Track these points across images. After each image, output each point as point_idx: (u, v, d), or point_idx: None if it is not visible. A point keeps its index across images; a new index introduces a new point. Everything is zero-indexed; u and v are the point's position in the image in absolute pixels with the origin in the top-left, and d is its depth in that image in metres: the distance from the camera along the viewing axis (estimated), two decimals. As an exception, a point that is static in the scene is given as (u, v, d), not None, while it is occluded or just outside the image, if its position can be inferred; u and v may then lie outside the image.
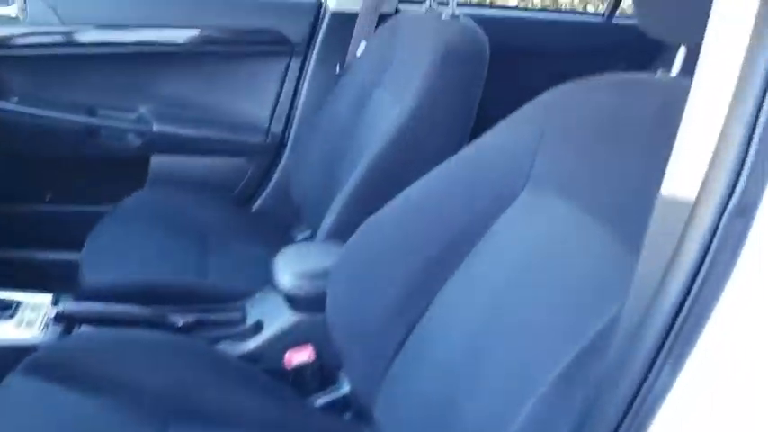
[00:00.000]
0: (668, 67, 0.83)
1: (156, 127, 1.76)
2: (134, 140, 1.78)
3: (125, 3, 1.72)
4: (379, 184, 1.31)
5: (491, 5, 2.39)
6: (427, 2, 1.51)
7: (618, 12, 2.00)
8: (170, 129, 1.78)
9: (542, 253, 0.87)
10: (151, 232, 1.51)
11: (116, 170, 1.83)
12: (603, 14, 2.05)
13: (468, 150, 1.00)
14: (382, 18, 1.74)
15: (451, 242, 0.95)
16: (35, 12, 1.64)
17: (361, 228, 1.04)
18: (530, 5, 8.83)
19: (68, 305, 1.15)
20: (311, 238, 1.62)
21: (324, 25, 1.80)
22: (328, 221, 1.35)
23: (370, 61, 1.59)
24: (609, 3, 2.04)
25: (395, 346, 0.97)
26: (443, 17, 1.41)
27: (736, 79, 0.46)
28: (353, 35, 1.77)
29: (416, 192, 1.02)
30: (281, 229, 1.80)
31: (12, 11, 1.63)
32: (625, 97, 0.86)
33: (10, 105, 1.68)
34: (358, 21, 1.77)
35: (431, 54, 1.31)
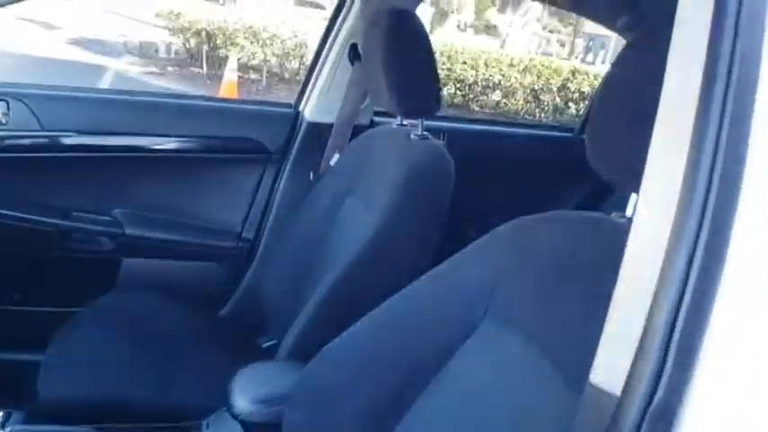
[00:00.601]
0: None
1: (128, 230, 1.77)
2: (106, 243, 1.78)
3: (105, 110, 1.77)
4: (343, 301, 1.31)
5: (463, 119, 2.44)
6: (398, 118, 1.56)
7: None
8: (142, 232, 1.79)
9: (499, 383, 0.88)
10: (114, 341, 1.48)
11: (86, 272, 1.82)
12: (574, 130, 2.11)
13: (432, 277, 1.01)
14: (357, 129, 1.80)
15: (414, 370, 0.94)
16: (17, 116, 1.67)
17: (321, 353, 1.03)
18: (512, 100, 9.08)
19: (17, 428, 1.12)
20: (276, 347, 1.61)
21: (300, 135, 1.85)
22: (291, 339, 1.33)
23: (344, 171, 1.63)
24: (581, 119, 2.11)
25: None
26: (412, 136, 1.44)
27: (660, 266, 0.47)
28: (328, 145, 1.82)
29: (379, 318, 1.02)
30: (248, 335, 1.78)
31: (-5, 115, 1.67)
32: (577, 238, 0.88)
33: (-17, 206, 1.68)
34: (333, 131, 1.82)
35: (397, 174, 1.34)
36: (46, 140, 1.70)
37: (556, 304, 0.83)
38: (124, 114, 1.77)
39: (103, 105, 1.77)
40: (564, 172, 2.07)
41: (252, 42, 9.08)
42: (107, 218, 1.79)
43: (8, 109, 1.66)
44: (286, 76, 9.55)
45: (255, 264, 1.87)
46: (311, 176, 1.82)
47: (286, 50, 9.21)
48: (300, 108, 1.89)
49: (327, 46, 1.82)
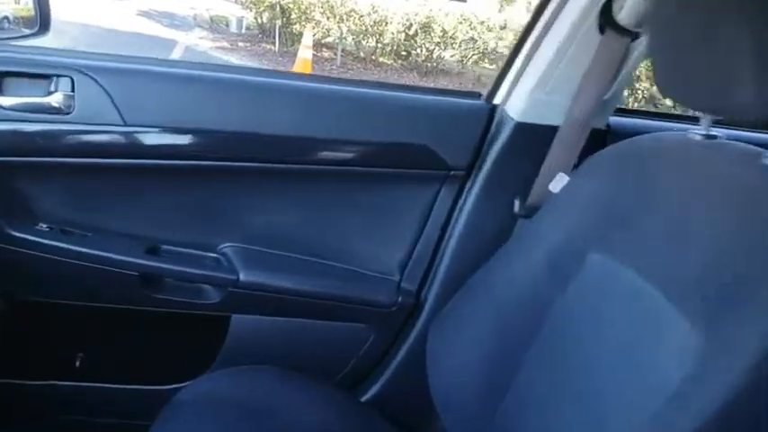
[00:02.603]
0: None
1: (243, 276, 1.20)
2: (211, 295, 1.22)
3: (210, 96, 1.16)
4: None
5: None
6: (703, 125, 0.92)
7: None
8: (261, 278, 1.22)
9: None
10: None
11: (182, 336, 1.29)
12: None
13: None
14: (593, 136, 1.17)
15: None
16: (86, 101, 1.10)
17: None
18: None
19: None
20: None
21: (499, 142, 1.22)
22: None
23: (582, 205, 0.99)
24: None
25: None
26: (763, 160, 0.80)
27: None
28: (547, 159, 1.19)
29: None
30: None
31: (54, 99, 1.10)
32: None
33: (35, 236, 1.14)
34: (557, 138, 1.18)
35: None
36: (124, 138, 1.13)
37: None
38: (238, 104, 1.17)
39: (209, 89, 1.17)
40: None
41: (328, 18, 8.56)
42: (212, 256, 1.24)
43: (73, 89, 1.09)
44: (362, 54, 9.02)
45: (418, 328, 1.29)
46: (515, 207, 1.20)
47: (364, 27, 8.66)
48: (499, 101, 1.26)
49: (554, 6, 1.17)
